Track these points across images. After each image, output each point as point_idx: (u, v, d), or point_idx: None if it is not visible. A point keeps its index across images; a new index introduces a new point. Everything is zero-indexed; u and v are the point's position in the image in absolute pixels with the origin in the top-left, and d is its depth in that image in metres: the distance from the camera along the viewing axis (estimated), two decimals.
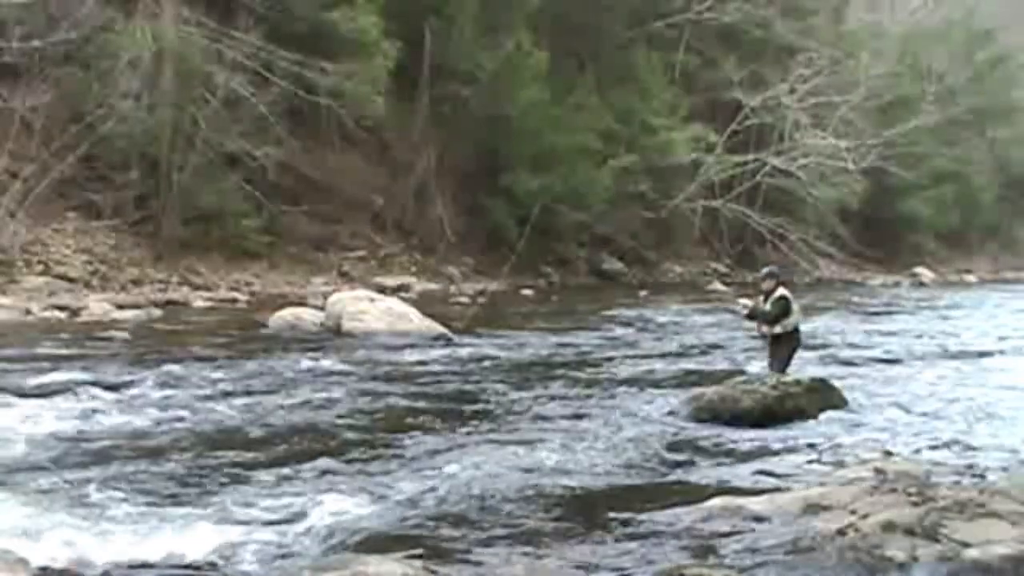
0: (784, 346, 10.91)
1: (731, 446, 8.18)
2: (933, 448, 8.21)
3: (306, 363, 12.15)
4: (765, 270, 11.52)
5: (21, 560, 4.60)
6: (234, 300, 20.61)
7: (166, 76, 21.72)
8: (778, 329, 10.80)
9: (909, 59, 44.77)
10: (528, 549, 5.39)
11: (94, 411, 8.89)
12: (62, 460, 7.17)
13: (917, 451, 8.05)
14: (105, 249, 20.80)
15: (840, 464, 7.40)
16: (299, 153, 25.12)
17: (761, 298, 11.03)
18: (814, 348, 14.19)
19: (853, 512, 5.16)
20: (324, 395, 10.10)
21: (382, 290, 20.85)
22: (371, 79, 23.81)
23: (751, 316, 11.08)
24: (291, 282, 23.41)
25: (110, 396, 9.58)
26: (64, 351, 12.56)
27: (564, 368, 12.63)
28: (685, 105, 34.20)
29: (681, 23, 35.61)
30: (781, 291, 10.84)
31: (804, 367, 11.66)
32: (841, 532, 4.92)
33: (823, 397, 9.59)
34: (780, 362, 10.87)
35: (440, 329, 15.26)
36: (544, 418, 9.18)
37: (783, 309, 10.73)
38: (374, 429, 8.53)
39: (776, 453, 8.01)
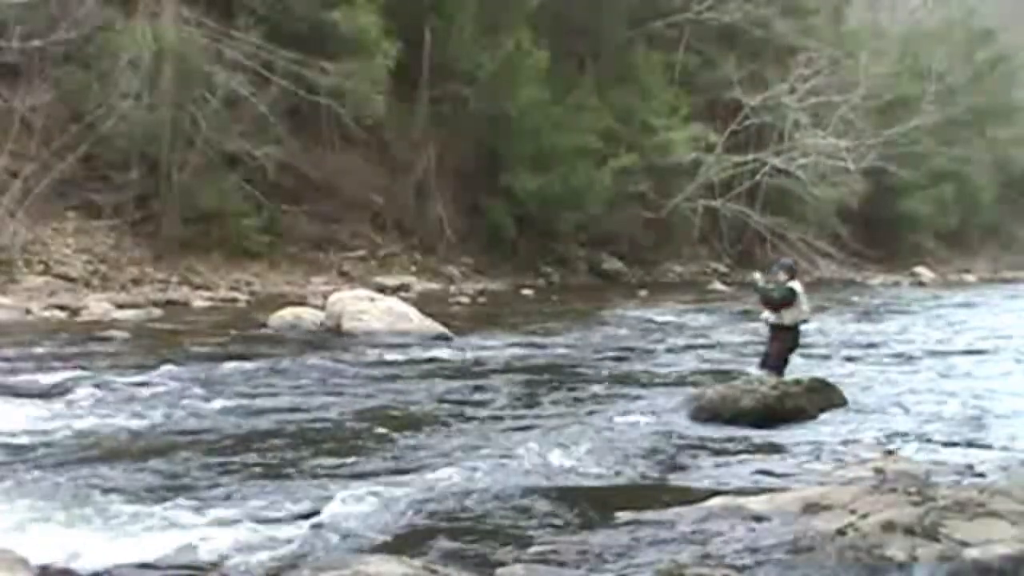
0: (781, 342, 10.78)
1: (731, 446, 8.18)
2: (933, 448, 8.21)
3: (306, 363, 12.15)
4: (780, 262, 11.52)
5: (21, 560, 4.60)
6: (234, 300, 20.61)
7: (166, 76, 21.71)
8: (780, 319, 10.67)
9: (909, 59, 44.75)
10: (528, 549, 5.39)
11: (94, 411, 8.89)
12: (62, 460, 7.17)
13: (917, 451, 8.05)
14: (105, 249, 20.81)
15: (840, 464, 7.40)
16: (299, 153, 25.11)
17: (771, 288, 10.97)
18: (814, 348, 14.19)
19: (853, 512, 5.16)
20: (324, 395, 10.10)
21: (382, 290, 20.84)
22: (371, 79, 23.79)
23: (757, 290, 10.98)
24: (291, 282, 23.41)
25: (110, 396, 9.58)
26: (64, 351, 12.55)
27: (564, 368, 12.64)
28: (685, 105, 34.19)
29: (681, 23, 35.60)
30: (792, 283, 10.73)
31: (804, 367, 11.65)
32: (841, 532, 4.92)
33: (823, 397, 9.58)
34: (776, 360, 10.76)
35: (440, 329, 15.27)
36: (544, 418, 9.18)
37: (786, 296, 10.57)
38: (374, 429, 8.52)
39: (776, 453, 8.01)
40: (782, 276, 10.88)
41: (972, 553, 4.55)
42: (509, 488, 6.60)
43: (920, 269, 41.12)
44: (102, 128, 20.55)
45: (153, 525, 5.76)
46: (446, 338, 14.93)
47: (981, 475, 6.99)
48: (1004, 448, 8.26)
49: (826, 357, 13.87)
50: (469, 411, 9.42)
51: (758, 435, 8.52)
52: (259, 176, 23.16)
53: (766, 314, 10.86)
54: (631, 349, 14.76)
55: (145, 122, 21.28)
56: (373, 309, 15.65)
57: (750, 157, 35.17)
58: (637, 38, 34.38)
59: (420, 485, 6.62)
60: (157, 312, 17.76)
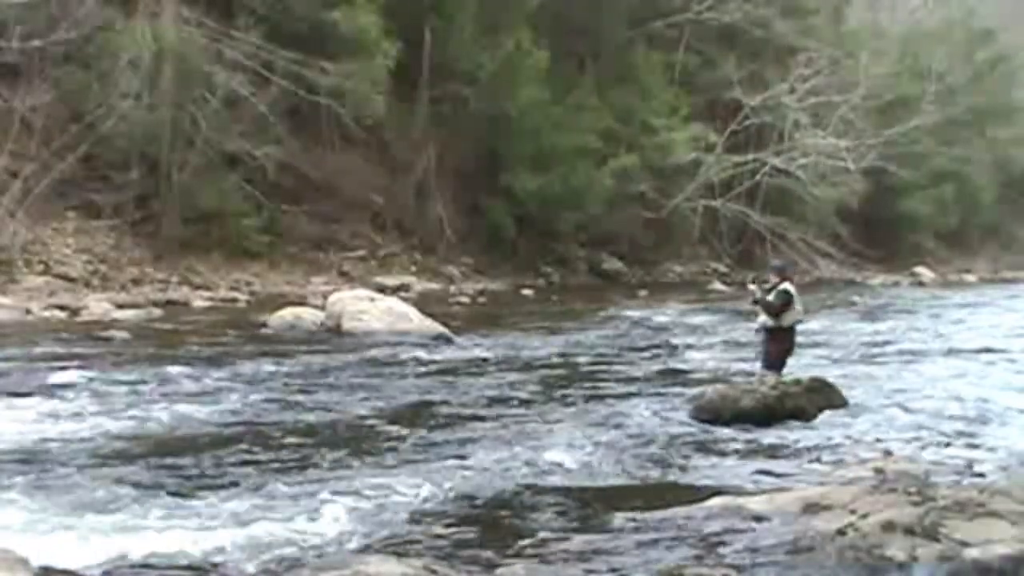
0: (778, 343, 10.65)
1: (731, 446, 8.18)
2: (933, 448, 8.21)
3: (306, 363, 12.15)
4: (772, 264, 11.53)
5: (21, 560, 4.59)
6: (234, 300, 20.61)
7: (166, 76, 21.72)
8: (778, 322, 10.59)
9: (909, 59, 44.74)
10: (528, 549, 5.38)
11: (93, 411, 8.88)
12: (62, 460, 7.17)
13: (917, 451, 8.05)
14: (105, 249, 20.81)
15: (840, 464, 7.40)
16: (299, 153, 25.11)
17: (766, 289, 10.91)
18: (814, 348, 14.19)
19: (853, 512, 5.15)
20: (323, 395, 10.11)
21: (382, 290, 20.84)
22: (371, 79, 23.80)
23: (756, 302, 10.92)
24: (291, 282, 23.42)
25: (109, 396, 9.58)
26: (64, 351, 12.55)
27: (564, 368, 12.64)
28: (685, 105, 34.18)
29: (681, 23, 35.59)
30: (785, 285, 10.61)
31: (805, 367, 11.63)
32: (841, 532, 4.92)
33: (823, 397, 9.57)
34: (775, 363, 10.66)
35: (440, 329, 15.27)
36: (544, 418, 9.18)
37: (784, 300, 10.46)
38: (374, 429, 8.53)
39: (776, 453, 8.01)
40: (773, 279, 10.84)
41: (972, 553, 4.55)
42: (509, 488, 6.61)
43: (920, 269, 41.10)
44: (102, 128, 20.57)
45: (153, 525, 5.75)
46: (446, 338, 14.92)
47: (981, 475, 6.99)
48: (1004, 448, 8.26)
49: (826, 357, 13.86)
50: (468, 411, 9.42)
51: (758, 435, 8.51)
52: (259, 176, 23.17)
53: (762, 318, 10.77)
54: (631, 349, 14.76)
55: (145, 122, 21.29)
56: (373, 309, 15.65)
57: (750, 157, 35.16)
58: (637, 38, 34.38)
59: (420, 485, 6.62)
60: (157, 312, 17.76)
